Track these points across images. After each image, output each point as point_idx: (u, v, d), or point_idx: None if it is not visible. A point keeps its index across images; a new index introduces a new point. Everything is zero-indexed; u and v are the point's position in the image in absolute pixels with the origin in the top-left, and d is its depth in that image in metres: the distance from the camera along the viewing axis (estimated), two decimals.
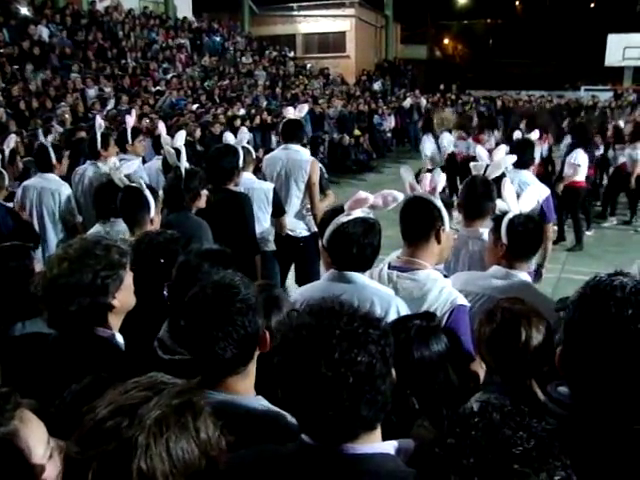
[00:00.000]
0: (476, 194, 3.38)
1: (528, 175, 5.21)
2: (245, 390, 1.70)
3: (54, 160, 5.13)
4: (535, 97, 22.36)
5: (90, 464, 1.04)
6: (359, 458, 1.26)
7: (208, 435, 1.13)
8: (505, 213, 2.81)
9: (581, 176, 8.32)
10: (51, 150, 5.17)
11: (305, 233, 5.01)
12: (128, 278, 2.12)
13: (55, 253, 2.07)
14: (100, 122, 5.66)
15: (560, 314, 2.58)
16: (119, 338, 2.11)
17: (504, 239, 2.73)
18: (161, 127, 6.04)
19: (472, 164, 3.84)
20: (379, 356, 1.25)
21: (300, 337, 1.26)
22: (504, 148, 4.64)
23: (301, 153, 5.02)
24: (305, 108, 5.38)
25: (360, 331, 1.26)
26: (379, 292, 2.32)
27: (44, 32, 15.20)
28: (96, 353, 1.96)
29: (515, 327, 1.91)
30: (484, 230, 3.19)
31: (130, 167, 3.94)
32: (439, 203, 2.56)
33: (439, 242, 2.55)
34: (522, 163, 5.09)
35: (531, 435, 0.99)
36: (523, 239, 2.73)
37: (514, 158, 4.37)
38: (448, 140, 10.37)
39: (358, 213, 2.32)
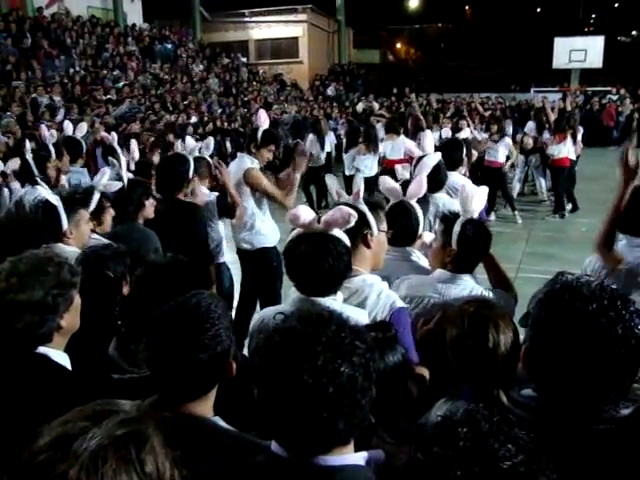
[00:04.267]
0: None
1: (458, 176, 4.74)
2: (203, 412, 1.65)
3: None
4: (488, 100, 22.74)
5: None
6: (330, 470, 1.23)
7: (157, 467, 1.03)
8: (455, 215, 2.77)
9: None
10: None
11: (248, 247, 4.93)
12: (77, 299, 2.04)
13: (1, 267, 1.96)
14: (50, 132, 5.52)
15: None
16: (64, 358, 2.01)
17: (454, 244, 2.69)
18: (113, 136, 5.95)
19: (397, 166, 3.76)
20: (362, 370, 1.23)
21: (285, 341, 1.23)
22: (430, 134, 4.61)
23: (243, 161, 4.83)
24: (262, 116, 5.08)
25: (347, 342, 1.23)
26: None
27: None
28: (38, 374, 1.87)
29: (483, 332, 1.87)
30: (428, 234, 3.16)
31: (111, 187, 3.74)
32: (363, 208, 2.51)
33: (368, 247, 2.51)
34: (450, 164, 4.62)
35: (519, 448, 0.97)
36: (473, 247, 2.70)
37: (439, 156, 4.11)
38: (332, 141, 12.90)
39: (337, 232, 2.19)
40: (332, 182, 2.70)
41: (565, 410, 1.34)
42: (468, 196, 2.77)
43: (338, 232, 2.20)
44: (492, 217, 10.23)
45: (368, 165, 9.73)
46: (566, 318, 1.32)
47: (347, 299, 2.35)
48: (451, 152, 4.86)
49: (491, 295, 2.62)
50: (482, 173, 10.04)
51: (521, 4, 34.77)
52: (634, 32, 38.68)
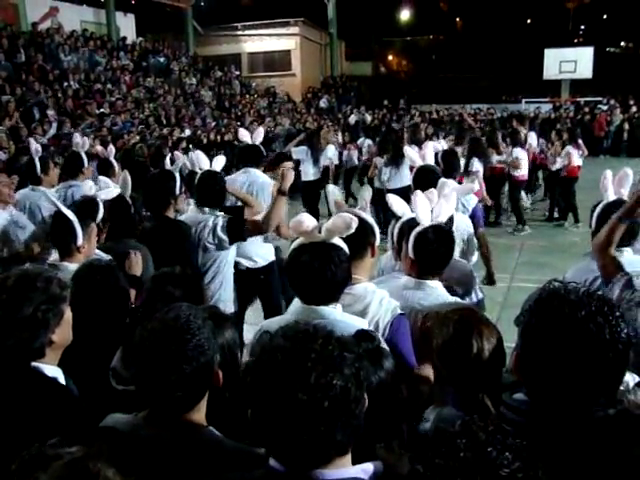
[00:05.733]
0: None
1: (454, 185, 4.63)
2: (196, 423, 1.66)
3: None
4: (480, 111, 22.94)
5: None
6: None
7: None
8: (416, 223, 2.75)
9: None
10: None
11: (263, 263, 4.89)
12: (68, 312, 2.03)
13: None
14: (36, 146, 5.50)
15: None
16: (57, 372, 2.02)
17: (410, 253, 2.69)
18: (110, 150, 5.95)
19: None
20: (354, 380, 1.24)
21: (275, 360, 1.24)
22: (431, 144, 4.67)
23: (263, 177, 5.03)
24: (261, 133, 5.27)
25: (335, 354, 1.24)
26: (353, 327, 2.09)
27: None
28: (32, 389, 1.87)
29: (467, 338, 1.92)
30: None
31: (110, 194, 3.74)
32: (370, 218, 2.60)
33: (373, 255, 2.59)
34: (448, 172, 4.73)
35: (516, 456, 1.00)
36: (430, 255, 2.67)
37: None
38: (333, 153, 12.40)
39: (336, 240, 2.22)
40: (332, 192, 2.74)
41: (556, 413, 1.38)
42: (418, 203, 2.75)
43: (338, 241, 2.23)
44: (527, 229, 10.31)
45: (387, 175, 9.30)
46: (556, 324, 1.36)
47: (351, 305, 2.39)
48: (448, 162, 4.98)
49: (457, 300, 2.65)
50: (499, 183, 10.22)
51: (511, 16, 35.08)
52: (623, 43, 39.06)
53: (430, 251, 2.65)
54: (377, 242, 2.60)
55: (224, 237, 3.99)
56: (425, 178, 3.96)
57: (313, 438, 1.20)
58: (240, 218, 4.16)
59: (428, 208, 2.74)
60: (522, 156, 10.21)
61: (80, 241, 3.16)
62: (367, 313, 2.38)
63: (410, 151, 4.66)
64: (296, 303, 2.28)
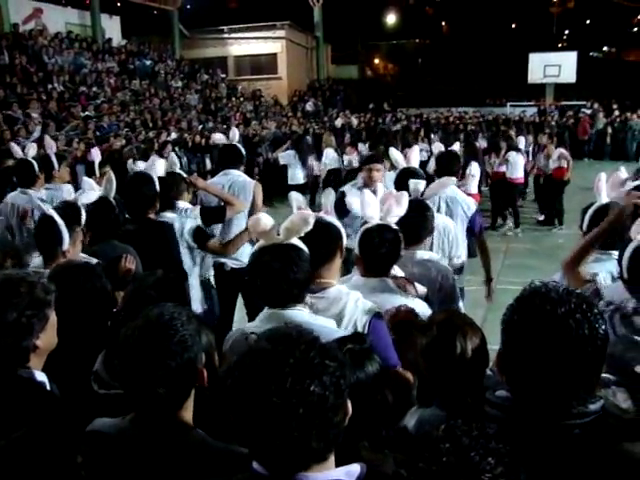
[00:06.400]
0: (408, 217, 3.15)
1: (452, 188, 4.65)
2: (184, 424, 1.65)
3: None
4: (466, 114, 23.04)
5: None
6: None
7: None
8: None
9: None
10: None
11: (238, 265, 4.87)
12: (53, 317, 2.01)
13: None
14: (51, 143, 5.48)
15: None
16: (43, 377, 2.00)
17: (357, 250, 2.70)
18: (94, 153, 5.91)
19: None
20: (332, 388, 1.22)
21: (255, 362, 1.23)
22: (417, 148, 4.69)
23: (243, 176, 5.02)
24: (236, 133, 5.30)
25: (316, 361, 1.23)
26: (323, 329, 2.06)
27: None
28: (20, 396, 1.85)
29: (450, 339, 1.93)
30: (422, 252, 3.22)
31: (90, 197, 3.72)
32: (335, 221, 2.62)
33: (341, 257, 2.60)
34: (444, 174, 4.65)
35: (499, 461, 1.01)
36: (373, 253, 2.69)
37: (453, 180, 4.17)
38: (331, 157, 12.38)
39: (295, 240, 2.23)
40: (296, 198, 2.75)
41: (537, 408, 1.41)
42: (365, 201, 2.75)
43: (297, 242, 2.23)
44: (519, 230, 10.41)
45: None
46: (537, 321, 1.39)
47: (327, 309, 2.40)
48: (447, 163, 4.98)
49: (410, 300, 2.66)
50: (504, 188, 10.32)
51: (496, 20, 35.34)
52: (605, 48, 39.49)
53: (373, 249, 2.68)
54: (344, 243, 2.61)
55: (191, 241, 4.01)
56: (405, 180, 3.95)
57: (287, 443, 1.19)
58: (207, 233, 4.17)
59: (377, 207, 2.74)
60: (518, 159, 10.40)
61: (66, 245, 3.12)
62: (344, 315, 2.38)
63: (395, 153, 4.65)
64: (264, 310, 2.27)
